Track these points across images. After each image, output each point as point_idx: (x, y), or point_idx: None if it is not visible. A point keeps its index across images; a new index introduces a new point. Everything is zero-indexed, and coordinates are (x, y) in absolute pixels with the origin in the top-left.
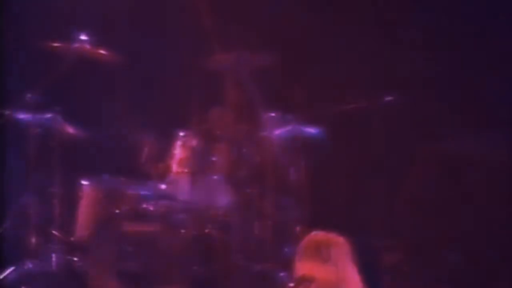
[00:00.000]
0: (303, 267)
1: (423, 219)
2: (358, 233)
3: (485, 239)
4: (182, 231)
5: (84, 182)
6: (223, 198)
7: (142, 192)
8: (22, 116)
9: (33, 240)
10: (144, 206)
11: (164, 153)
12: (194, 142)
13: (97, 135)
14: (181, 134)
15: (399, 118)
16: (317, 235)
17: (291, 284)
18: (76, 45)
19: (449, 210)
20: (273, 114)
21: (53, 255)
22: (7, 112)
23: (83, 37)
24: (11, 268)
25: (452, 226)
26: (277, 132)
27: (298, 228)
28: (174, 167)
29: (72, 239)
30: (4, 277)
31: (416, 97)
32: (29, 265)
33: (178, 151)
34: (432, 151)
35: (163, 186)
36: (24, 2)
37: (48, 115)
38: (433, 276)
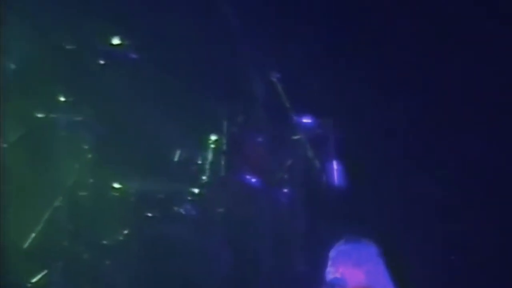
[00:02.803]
0: (334, 272)
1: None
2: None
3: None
4: (216, 236)
5: (116, 186)
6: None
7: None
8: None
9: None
10: (176, 209)
11: (196, 156)
12: (226, 146)
13: (128, 138)
14: (213, 138)
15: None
16: (349, 240)
17: None
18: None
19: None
20: (307, 119)
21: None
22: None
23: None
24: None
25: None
26: (309, 136)
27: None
28: (207, 171)
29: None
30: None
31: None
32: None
33: (210, 155)
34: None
35: (195, 190)
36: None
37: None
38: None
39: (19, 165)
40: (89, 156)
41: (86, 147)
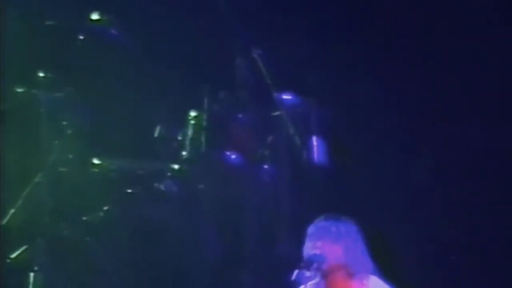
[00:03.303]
0: (313, 248)
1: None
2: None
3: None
4: (197, 213)
5: (96, 162)
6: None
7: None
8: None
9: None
10: (156, 185)
11: (177, 133)
12: (206, 123)
13: (109, 114)
14: (193, 114)
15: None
16: (328, 217)
17: (302, 264)
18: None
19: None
20: (287, 96)
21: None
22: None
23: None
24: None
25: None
26: (291, 112)
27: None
28: (187, 147)
29: None
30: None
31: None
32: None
33: (191, 131)
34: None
35: (176, 167)
36: None
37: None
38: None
39: None
40: (69, 132)
41: (65, 123)
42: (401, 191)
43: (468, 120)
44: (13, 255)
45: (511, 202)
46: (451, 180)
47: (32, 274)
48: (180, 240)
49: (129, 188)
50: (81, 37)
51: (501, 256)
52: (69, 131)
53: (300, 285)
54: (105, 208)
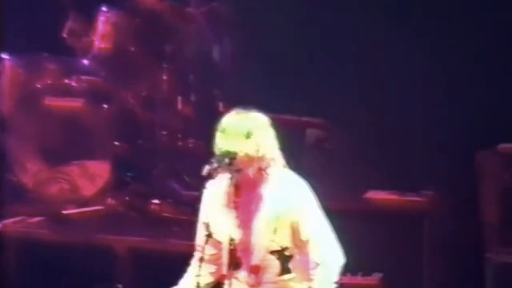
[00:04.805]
0: (224, 143)
1: None
2: None
3: None
4: (105, 106)
5: (4, 56)
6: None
7: (65, 67)
8: None
9: None
10: (67, 81)
11: (87, 27)
12: (116, 18)
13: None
14: (104, 9)
15: None
16: (239, 111)
17: (213, 160)
18: None
19: None
20: None
21: None
22: None
23: None
24: None
25: None
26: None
27: (221, 105)
28: (97, 42)
29: None
30: None
31: None
32: None
33: (101, 26)
34: None
35: (86, 62)
36: None
37: None
38: None
39: None
40: None
41: None
42: None
43: None
44: None
45: None
46: None
47: None
48: None
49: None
50: None
51: None
52: None
53: (211, 179)
54: None
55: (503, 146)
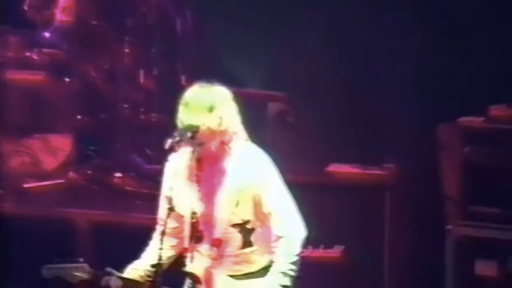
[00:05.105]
0: (187, 117)
1: None
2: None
3: None
4: (67, 80)
5: None
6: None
7: (26, 40)
8: None
9: None
10: (28, 54)
11: (48, 0)
12: None
13: None
14: None
15: None
16: (201, 85)
17: (175, 134)
18: None
19: None
20: None
21: None
22: None
23: None
24: None
25: None
26: None
27: (184, 78)
28: (59, 15)
29: None
30: None
31: None
32: None
33: None
34: None
35: (47, 35)
36: None
37: None
38: None
39: None
40: None
41: None
42: None
43: None
44: None
45: None
46: None
47: None
48: None
49: None
50: None
51: None
52: None
53: (173, 153)
54: None
55: (464, 120)
